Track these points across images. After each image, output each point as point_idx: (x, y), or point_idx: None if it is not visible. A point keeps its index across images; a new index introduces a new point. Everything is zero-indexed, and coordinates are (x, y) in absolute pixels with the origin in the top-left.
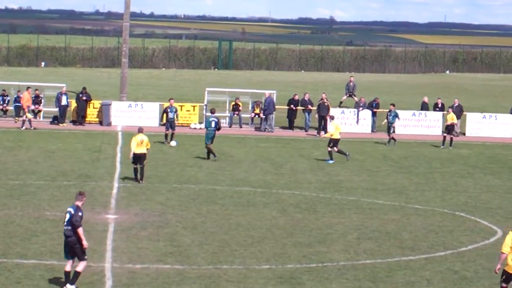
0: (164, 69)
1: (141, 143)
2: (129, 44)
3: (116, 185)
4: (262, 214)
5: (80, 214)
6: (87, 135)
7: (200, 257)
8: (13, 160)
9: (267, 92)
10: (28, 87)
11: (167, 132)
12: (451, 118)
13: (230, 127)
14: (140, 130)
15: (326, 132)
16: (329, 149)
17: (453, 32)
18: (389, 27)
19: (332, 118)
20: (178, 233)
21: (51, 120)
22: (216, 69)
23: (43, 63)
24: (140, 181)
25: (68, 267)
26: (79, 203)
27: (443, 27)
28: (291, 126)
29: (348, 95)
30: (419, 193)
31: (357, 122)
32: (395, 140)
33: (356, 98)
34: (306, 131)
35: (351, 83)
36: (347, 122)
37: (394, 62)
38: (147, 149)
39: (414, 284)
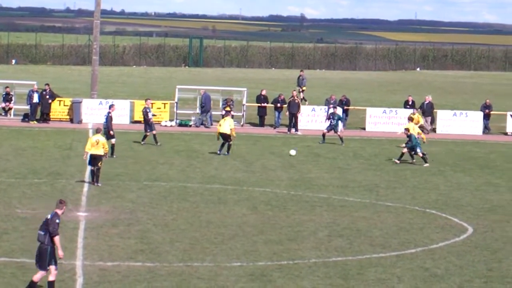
0: (134, 66)
1: (96, 144)
2: (99, 42)
3: (86, 183)
4: (233, 211)
5: (57, 221)
6: (57, 132)
7: (171, 255)
8: None
9: (202, 90)
10: None
11: (148, 133)
12: (417, 119)
13: (201, 124)
14: (98, 131)
15: (296, 129)
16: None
17: (424, 30)
18: (359, 25)
19: (227, 114)
20: (149, 230)
21: (22, 117)
22: (187, 67)
23: (13, 61)
24: (96, 184)
25: (50, 277)
26: (59, 211)
27: (413, 25)
28: (261, 124)
29: (299, 90)
30: (390, 191)
31: (327, 119)
32: (333, 139)
33: (301, 94)
34: (274, 128)
35: (301, 77)
36: (317, 120)
37: (364, 59)
38: (105, 152)
39: (385, 281)
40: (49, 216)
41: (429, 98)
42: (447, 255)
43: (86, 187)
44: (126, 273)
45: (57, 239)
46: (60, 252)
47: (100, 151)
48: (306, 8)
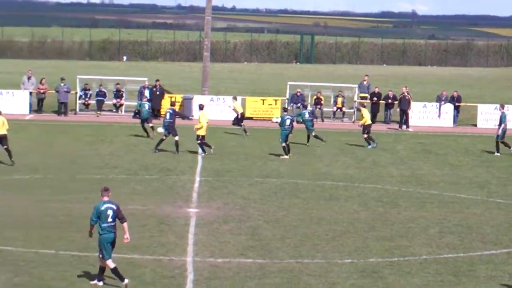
0: (245, 63)
1: (2, 125)
2: (211, 38)
3: (197, 178)
4: (344, 208)
5: (120, 208)
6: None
7: (281, 251)
8: (95, 154)
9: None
10: None
11: None
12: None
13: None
14: None
15: (408, 126)
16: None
17: None
18: (471, 21)
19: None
20: (260, 227)
21: (133, 114)
22: (298, 63)
23: (124, 57)
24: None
25: (113, 264)
26: (107, 199)
27: None
28: (373, 120)
29: (360, 97)
30: (501, 187)
31: (439, 115)
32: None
33: (356, 102)
34: (387, 123)
35: (365, 82)
36: (429, 116)
37: (476, 55)
38: (7, 130)
39: (495, 278)
40: (115, 207)
41: None
42: None
43: (197, 183)
44: (236, 269)
45: (126, 224)
46: (128, 236)
47: (4, 131)
48: (417, 4)
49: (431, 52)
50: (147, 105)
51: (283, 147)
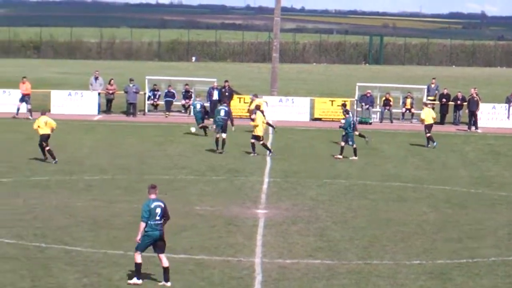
0: (315, 64)
1: (45, 124)
2: (279, 39)
3: (266, 180)
4: (413, 209)
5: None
6: (236, 129)
7: (350, 252)
8: (163, 155)
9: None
10: (23, 77)
11: None
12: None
13: (381, 122)
14: (43, 113)
15: (476, 127)
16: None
17: None
18: None
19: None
20: (328, 228)
21: None
22: (367, 64)
23: (193, 58)
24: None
25: (140, 259)
26: (155, 196)
27: None
28: (442, 121)
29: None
30: None
31: (508, 117)
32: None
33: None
34: (456, 124)
35: (433, 85)
36: (497, 117)
37: None
38: (52, 129)
39: None
40: (162, 205)
41: None
42: None
43: (265, 184)
44: (305, 270)
45: (166, 224)
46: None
47: (48, 131)
48: (486, 5)
49: (501, 53)
50: (198, 105)
51: (354, 149)
